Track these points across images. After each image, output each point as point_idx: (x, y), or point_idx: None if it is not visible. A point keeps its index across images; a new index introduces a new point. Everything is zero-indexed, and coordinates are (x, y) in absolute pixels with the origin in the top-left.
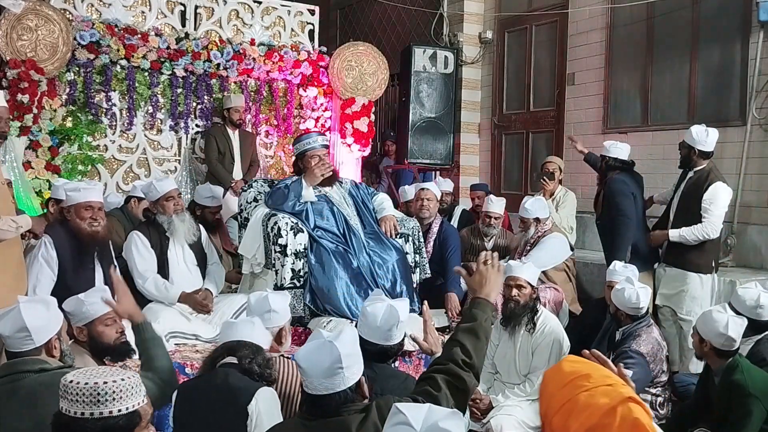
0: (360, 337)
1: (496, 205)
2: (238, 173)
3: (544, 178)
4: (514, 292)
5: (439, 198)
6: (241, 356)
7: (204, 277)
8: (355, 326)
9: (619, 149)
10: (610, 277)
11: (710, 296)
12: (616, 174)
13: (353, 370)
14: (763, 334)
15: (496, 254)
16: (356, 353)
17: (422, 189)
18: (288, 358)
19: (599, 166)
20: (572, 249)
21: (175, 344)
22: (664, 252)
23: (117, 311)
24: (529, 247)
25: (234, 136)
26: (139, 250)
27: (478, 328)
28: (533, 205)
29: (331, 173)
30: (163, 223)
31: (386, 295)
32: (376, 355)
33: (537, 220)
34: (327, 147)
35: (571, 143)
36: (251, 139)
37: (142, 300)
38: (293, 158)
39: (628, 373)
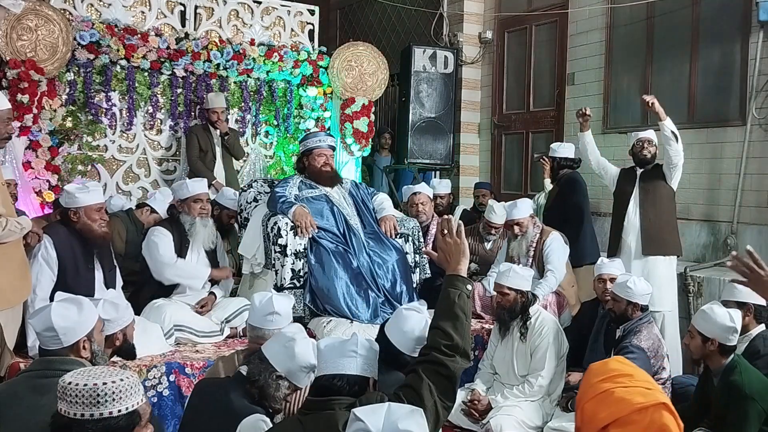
0: (386, 337)
1: (499, 216)
2: (219, 172)
3: (544, 157)
4: (498, 297)
5: (432, 198)
6: (249, 372)
7: (211, 286)
8: (382, 326)
9: (565, 149)
10: (599, 271)
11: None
12: (569, 173)
13: (365, 362)
14: (758, 331)
15: (451, 218)
16: (373, 355)
17: (415, 194)
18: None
19: (551, 166)
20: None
21: (178, 336)
22: (640, 244)
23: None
24: (533, 251)
25: (216, 134)
26: (164, 237)
27: (453, 307)
28: (524, 203)
29: (325, 164)
30: (185, 223)
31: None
32: (390, 357)
33: (532, 216)
34: (333, 148)
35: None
36: (233, 136)
37: (148, 294)
38: (299, 155)
39: None
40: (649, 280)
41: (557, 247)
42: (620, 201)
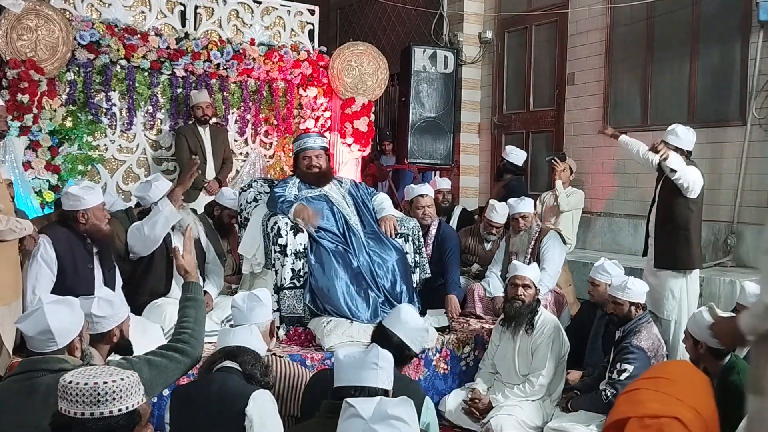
0: (387, 329)
1: (500, 215)
2: (211, 172)
3: (555, 158)
4: (521, 291)
5: (433, 198)
6: (243, 361)
7: (204, 277)
8: (379, 324)
9: (516, 156)
10: (594, 274)
11: (696, 293)
12: (513, 178)
13: (385, 375)
14: None
15: None
16: (391, 367)
17: (421, 196)
18: (280, 357)
19: (497, 167)
20: (564, 242)
21: None
22: (652, 256)
23: (179, 263)
24: (531, 248)
25: (205, 133)
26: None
27: None
28: (529, 200)
29: (310, 165)
30: None
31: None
32: (395, 353)
33: (534, 214)
34: (325, 149)
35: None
36: (223, 136)
37: (147, 299)
38: (293, 157)
39: (629, 367)
40: (659, 288)
41: (554, 245)
42: (652, 200)
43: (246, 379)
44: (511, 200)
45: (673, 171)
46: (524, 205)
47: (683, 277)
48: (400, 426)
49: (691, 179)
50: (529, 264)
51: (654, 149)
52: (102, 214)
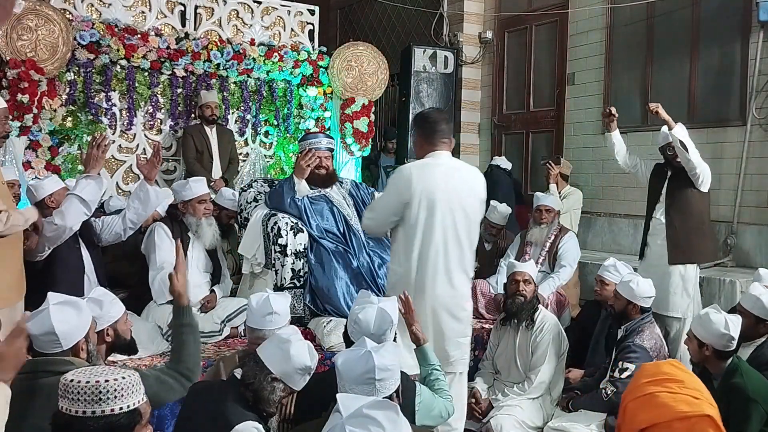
0: (353, 343)
1: (501, 216)
2: (217, 172)
3: (549, 162)
4: (522, 286)
5: None
6: (244, 374)
7: (211, 286)
8: (345, 331)
9: (503, 161)
10: (603, 273)
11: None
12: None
13: (386, 385)
14: (765, 338)
15: None
16: (393, 369)
17: None
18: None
19: (485, 172)
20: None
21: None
22: (665, 252)
23: (174, 286)
24: (550, 243)
25: (212, 133)
26: (162, 240)
27: None
28: (555, 197)
29: (318, 166)
30: (191, 225)
31: (386, 295)
32: None
33: (559, 212)
34: (331, 150)
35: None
36: (229, 135)
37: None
38: (297, 154)
39: (631, 366)
40: (667, 285)
41: (573, 245)
42: (650, 201)
43: (239, 399)
44: (538, 193)
45: (683, 146)
46: (550, 200)
47: (695, 271)
48: (372, 428)
49: (705, 170)
50: (544, 258)
51: (651, 110)
52: (58, 200)
